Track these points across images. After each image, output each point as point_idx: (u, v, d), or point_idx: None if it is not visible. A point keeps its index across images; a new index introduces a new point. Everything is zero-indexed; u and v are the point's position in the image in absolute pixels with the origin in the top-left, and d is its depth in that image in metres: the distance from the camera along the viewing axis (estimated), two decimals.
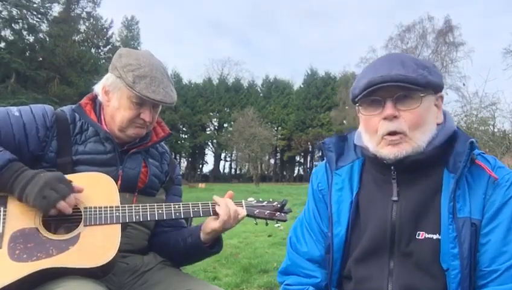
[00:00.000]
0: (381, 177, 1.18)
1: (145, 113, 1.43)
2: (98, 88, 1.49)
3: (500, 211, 1.05)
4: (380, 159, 1.14)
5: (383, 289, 1.11)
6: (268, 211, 1.49)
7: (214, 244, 1.50)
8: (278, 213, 1.50)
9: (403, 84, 1.06)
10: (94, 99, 1.52)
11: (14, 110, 1.36)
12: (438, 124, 1.15)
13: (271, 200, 1.53)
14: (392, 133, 1.10)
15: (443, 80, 1.18)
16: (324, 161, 1.31)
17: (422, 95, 1.08)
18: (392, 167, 1.14)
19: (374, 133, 1.13)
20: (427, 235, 1.09)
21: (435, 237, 1.08)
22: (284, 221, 1.52)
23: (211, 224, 1.42)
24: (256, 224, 1.54)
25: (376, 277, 1.13)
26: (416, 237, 1.09)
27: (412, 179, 1.14)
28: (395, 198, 1.14)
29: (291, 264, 1.29)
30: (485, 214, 1.05)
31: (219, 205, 1.42)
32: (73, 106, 1.48)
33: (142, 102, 1.41)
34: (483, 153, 1.14)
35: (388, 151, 1.10)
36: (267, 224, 1.53)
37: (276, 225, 1.53)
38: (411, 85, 1.06)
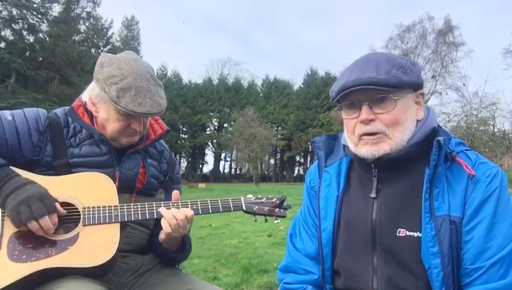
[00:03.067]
0: (364, 174, 1.20)
1: (135, 124, 1.40)
2: (85, 97, 1.46)
3: (481, 207, 1.03)
4: (361, 158, 1.15)
5: (369, 286, 1.12)
6: (267, 208, 1.48)
7: (181, 248, 1.49)
8: (277, 209, 1.49)
9: (373, 86, 1.06)
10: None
11: (7, 114, 1.34)
12: (419, 121, 1.15)
13: (270, 196, 1.53)
14: (370, 134, 1.11)
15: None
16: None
17: (396, 97, 1.08)
18: (372, 165, 1.15)
19: (353, 134, 1.15)
20: (408, 233, 1.08)
21: (415, 234, 1.07)
22: (283, 217, 1.51)
23: (160, 235, 1.38)
24: (256, 221, 1.54)
25: (361, 273, 1.14)
26: (397, 234, 1.09)
27: (393, 176, 1.14)
28: (373, 195, 1.15)
29: (291, 261, 1.30)
30: (467, 211, 1.04)
31: (164, 218, 1.35)
32: (66, 109, 1.46)
33: (130, 114, 1.37)
34: (466, 150, 1.13)
35: (366, 150, 1.12)
36: (266, 220, 1.53)
37: (276, 221, 1.53)
38: (382, 87, 1.06)
